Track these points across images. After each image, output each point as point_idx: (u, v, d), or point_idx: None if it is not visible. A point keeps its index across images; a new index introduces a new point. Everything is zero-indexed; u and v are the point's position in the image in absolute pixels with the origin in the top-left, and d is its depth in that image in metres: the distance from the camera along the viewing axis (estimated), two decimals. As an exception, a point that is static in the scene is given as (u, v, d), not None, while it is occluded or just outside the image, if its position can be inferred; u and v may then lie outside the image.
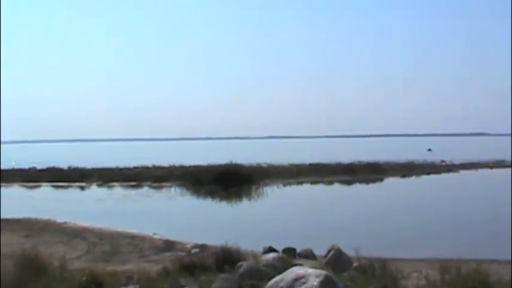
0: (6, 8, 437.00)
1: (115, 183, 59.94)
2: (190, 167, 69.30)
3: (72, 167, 72.56)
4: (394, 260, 17.18)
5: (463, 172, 72.58)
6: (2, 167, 74.85)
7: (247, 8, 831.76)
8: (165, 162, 75.39)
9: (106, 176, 64.03)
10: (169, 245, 23.19)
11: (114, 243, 24.28)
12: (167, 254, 21.33)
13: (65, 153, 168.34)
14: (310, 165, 72.19)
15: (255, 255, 17.44)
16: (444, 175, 68.70)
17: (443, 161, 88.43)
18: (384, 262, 15.78)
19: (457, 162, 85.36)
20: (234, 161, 62.26)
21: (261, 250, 20.01)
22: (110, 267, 17.41)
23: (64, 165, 74.46)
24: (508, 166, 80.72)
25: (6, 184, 62.34)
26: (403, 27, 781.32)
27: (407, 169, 71.84)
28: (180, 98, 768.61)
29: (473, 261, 16.37)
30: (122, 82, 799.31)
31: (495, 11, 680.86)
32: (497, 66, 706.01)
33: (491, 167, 79.90)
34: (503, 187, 53.97)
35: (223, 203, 45.70)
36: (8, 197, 51.18)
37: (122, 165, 75.30)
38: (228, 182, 53.25)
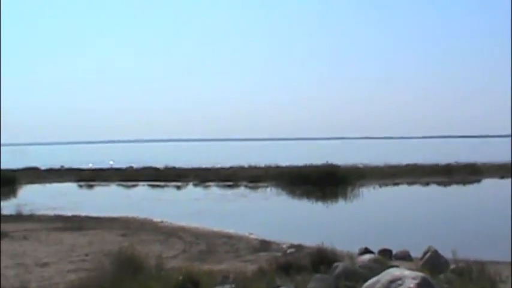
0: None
1: (211, 183, 60.46)
2: (286, 167, 69.39)
3: (169, 167, 73.58)
4: (492, 263, 16.88)
5: None
6: (100, 166, 76.84)
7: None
8: (260, 162, 75.67)
9: (202, 176, 64.66)
10: (265, 245, 23.31)
11: (210, 243, 24.52)
12: (263, 253, 21.43)
13: (149, 153, 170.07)
14: (406, 166, 71.53)
15: (350, 256, 17.39)
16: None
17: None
18: (481, 265, 15.54)
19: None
20: (330, 162, 62.15)
21: (357, 251, 19.92)
22: (206, 267, 17.58)
23: (160, 165, 75.56)
24: None
25: (104, 183, 63.69)
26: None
27: (506, 170, 70.41)
28: (268, 98, 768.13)
29: None
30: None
31: None
32: None
33: None
34: None
35: (319, 204, 45.71)
36: (105, 196, 52.32)
37: (217, 165, 75.98)
38: (324, 182, 53.15)
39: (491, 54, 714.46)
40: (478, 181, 60.81)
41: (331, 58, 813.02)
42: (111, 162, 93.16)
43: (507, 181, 61.37)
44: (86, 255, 21.39)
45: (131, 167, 78.30)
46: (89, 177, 67.47)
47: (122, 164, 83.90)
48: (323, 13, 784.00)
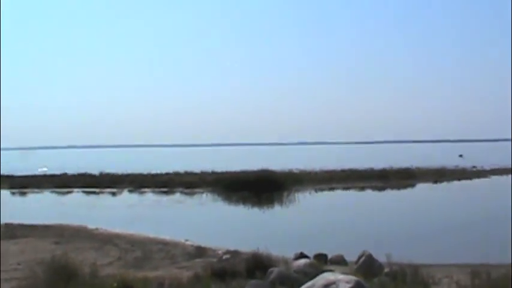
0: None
1: (146, 189, 60.10)
2: (221, 173, 69.40)
3: (104, 173, 72.90)
4: (425, 266, 17.13)
5: (494, 178, 72.15)
6: (31, 173, 75.87)
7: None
8: (196, 169, 75.46)
9: (137, 182, 64.24)
10: (200, 251, 23.26)
11: (145, 250, 24.38)
12: (199, 260, 21.38)
13: (90, 159, 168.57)
14: (342, 171, 72.17)
15: (286, 262, 17.45)
16: (475, 181, 68.37)
17: (474, 167, 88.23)
18: (415, 268, 15.74)
19: (487, 168, 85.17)
20: (265, 167, 62.29)
21: (292, 256, 19.99)
22: (141, 274, 17.46)
23: (95, 171, 74.77)
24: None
25: (37, 190, 62.82)
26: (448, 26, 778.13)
27: (439, 175, 71.54)
28: (206, 104, 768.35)
29: (503, 266, 16.33)
30: (143, 89, 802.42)
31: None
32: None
33: (523, 172, 79.32)
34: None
35: (255, 209, 45.74)
36: (39, 203, 51.65)
37: (152, 171, 75.56)
38: (260, 188, 53.23)
39: (424, 61, 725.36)
40: (413, 185, 61.57)
41: (264, 63, 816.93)
42: (45, 169, 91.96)
43: (440, 185, 62.42)
44: (19, 264, 21.02)
45: (65, 174, 77.19)
46: (21, 184, 66.40)
47: (56, 171, 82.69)
48: (236, 21, 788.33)
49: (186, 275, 17.41)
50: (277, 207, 46.11)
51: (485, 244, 26.58)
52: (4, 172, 77.09)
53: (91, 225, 33.04)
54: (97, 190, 60.88)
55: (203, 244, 24.96)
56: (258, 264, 16.66)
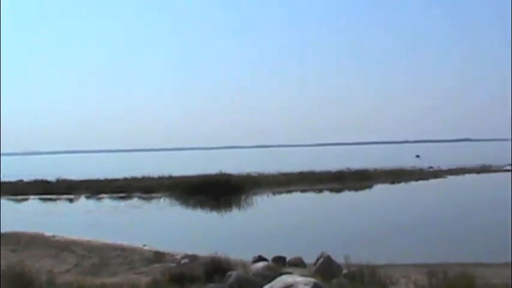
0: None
1: (104, 195, 59.58)
2: (179, 177, 69.06)
3: (60, 179, 72.07)
4: (383, 266, 17.24)
5: (450, 178, 72.88)
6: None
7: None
8: (154, 173, 75.08)
9: (94, 188, 63.65)
10: (159, 256, 23.13)
11: (103, 256, 24.18)
12: (157, 265, 21.26)
13: (48, 165, 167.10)
14: (300, 173, 72.25)
15: (244, 265, 17.45)
16: (432, 181, 68.92)
17: (431, 167, 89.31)
18: (373, 268, 15.85)
19: (444, 168, 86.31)
20: (223, 171, 62.24)
21: (251, 259, 19.98)
22: (99, 280, 17.34)
23: (52, 178, 73.90)
24: (493, 171, 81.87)
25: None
26: (388, 36, 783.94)
27: (396, 176, 71.99)
28: (165, 108, 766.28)
29: (460, 265, 16.50)
30: (101, 91, 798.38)
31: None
32: (482, 75, 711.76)
33: (478, 172, 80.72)
34: (488, 192, 54.55)
35: (213, 213, 45.63)
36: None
37: (110, 176, 75.05)
38: (218, 191, 53.14)
39: (380, 61, 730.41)
40: (370, 187, 61.87)
41: (234, 69, 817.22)
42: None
43: (398, 186, 62.85)
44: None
45: (21, 181, 76.25)
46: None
47: (11, 178, 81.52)
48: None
49: (144, 280, 17.33)
50: (235, 211, 46.02)
51: (442, 243, 26.88)
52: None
53: (48, 233, 32.64)
54: (54, 197, 60.14)
55: (161, 249, 24.81)
56: (216, 268, 16.65)
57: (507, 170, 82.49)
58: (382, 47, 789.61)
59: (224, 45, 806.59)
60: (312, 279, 12.53)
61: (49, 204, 55.97)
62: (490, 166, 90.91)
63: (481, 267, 18.16)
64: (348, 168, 74.83)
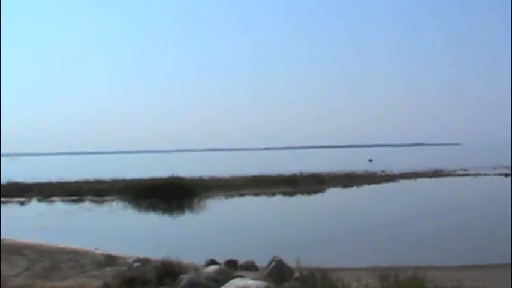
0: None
1: (56, 198, 59.02)
2: (132, 180, 68.80)
3: (11, 182, 71.14)
4: (335, 270, 17.30)
5: (402, 182, 73.50)
6: None
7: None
8: (106, 176, 74.61)
9: (46, 191, 63.02)
10: (110, 260, 22.99)
11: (54, 259, 23.96)
12: (108, 268, 21.13)
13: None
14: (253, 177, 72.40)
15: (196, 268, 17.42)
16: (384, 185, 69.50)
17: (383, 171, 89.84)
18: (324, 272, 15.88)
19: (396, 172, 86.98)
20: (175, 174, 62.09)
21: (203, 263, 19.95)
22: (50, 284, 17.22)
23: (2, 181, 72.94)
24: (445, 175, 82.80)
25: None
26: (344, 40, 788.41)
27: (349, 179, 72.47)
28: (119, 110, 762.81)
29: (411, 268, 16.63)
30: (51, 93, 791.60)
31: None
32: (435, 80, 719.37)
33: (430, 176, 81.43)
34: (440, 196, 55.12)
35: (166, 217, 45.47)
36: None
37: (62, 179, 74.43)
38: (170, 195, 52.99)
39: (333, 66, 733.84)
40: (322, 190, 62.11)
41: (187, 71, 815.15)
42: None
43: (350, 190, 63.22)
44: None
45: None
46: None
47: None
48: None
49: (95, 284, 17.22)
50: (187, 214, 45.93)
51: (394, 247, 27.12)
52: None
53: (-3, 236, 32.34)
54: (4, 200, 59.41)
55: (113, 252, 24.69)
56: (168, 272, 16.61)
57: (459, 175, 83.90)
58: (338, 51, 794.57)
59: (176, 44, 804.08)
60: (263, 283, 12.57)
61: (-1, 207, 55.33)
62: (442, 170, 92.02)
63: (432, 271, 18.33)
64: (300, 172, 75.12)
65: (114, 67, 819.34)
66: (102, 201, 55.17)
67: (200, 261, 20.08)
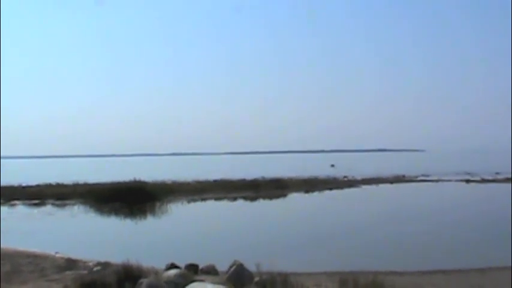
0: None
1: (17, 202, 58.55)
2: (94, 184, 68.50)
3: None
4: (295, 274, 17.41)
5: (364, 187, 73.86)
6: None
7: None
8: (68, 180, 74.21)
9: (7, 195, 62.46)
10: (71, 264, 22.91)
11: (14, 263, 23.80)
12: (69, 272, 21.05)
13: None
14: (215, 181, 72.52)
15: (156, 272, 17.46)
16: (346, 190, 69.75)
17: (345, 177, 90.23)
18: (285, 276, 16.00)
19: (358, 178, 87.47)
20: (137, 178, 61.97)
21: (164, 267, 19.97)
22: (9, 288, 17.14)
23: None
24: (407, 181, 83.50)
25: None
26: (306, 44, 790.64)
27: (311, 184, 72.73)
28: (83, 115, 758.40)
29: (371, 273, 16.81)
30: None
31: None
32: (399, 88, 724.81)
33: (391, 182, 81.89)
34: (401, 202, 55.56)
35: (127, 221, 45.35)
36: None
37: (24, 182, 73.90)
38: (132, 199, 52.87)
39: (295, 71, 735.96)
40: (284, 195, 62.28)
41: (150, 75, 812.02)
42: None
43: (312, 195, 63.46)
44: None
45: None
46: None
47: None
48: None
49: (55, 288, 17.20)
50: (149, 218, 45.89)
51: (355, 252, 27.29)
52: None
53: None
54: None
55: (74, 256, 24.61)
56: (128, 276, 16.61)
57: (420, 180, 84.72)
58: (303, 55, 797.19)
59: (140, 51, 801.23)
60: (222, 287, 12.66)
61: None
62: (403, 176, 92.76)
63: (392, 276, 18.54)
64: (262, 177, 75.37)
65: (80, 71, 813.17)
66: (64, 205, 54.81)
67: (161, 265, 20.08)
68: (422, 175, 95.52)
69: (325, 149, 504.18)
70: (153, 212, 48.85)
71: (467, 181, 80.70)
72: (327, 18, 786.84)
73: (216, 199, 58.79)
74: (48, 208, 53.50)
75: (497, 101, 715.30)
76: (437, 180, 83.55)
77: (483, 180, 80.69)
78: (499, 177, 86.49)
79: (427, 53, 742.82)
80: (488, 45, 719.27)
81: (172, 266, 19.87)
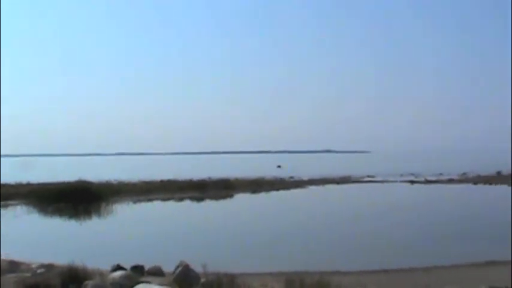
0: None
1: (-44, 203, 57.56)
2: (37, 184, 67.64)
3: None
4: (241, 275, 17.30)
5: (310, 187, 74.19)
6: None
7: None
8: (10, 180, 73.13)
9: None
10: (13, 266, 22.47)
11: (-48, 266, 23.34)
12: (11, 275, 20.62)
13: None
14: (161, 182, 72.19)
15: (101, 274, 17.21)
16: (292, 191, 70.00)
17: (292, 177, 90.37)
18: (231, 277, 15.91)
19: (305, 178, 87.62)
20: (83, 178, 61.38)
21: (109, 268, 19.72)
22: None
23: None
24: (353, 182, 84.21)
25: None
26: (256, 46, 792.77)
27: (257, 185, 72.78)
28: (26, 112, 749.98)
29: (317, 273, 16.79)
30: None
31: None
32: (344, 89, 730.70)
33: (337, 183, 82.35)
34: (348, 202, 55.91)
35: (72, 222, 44.86)
36: None
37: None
38: (77, 199, 52.27)
39: (246, 75, 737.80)
40: (231, 196, 62.25)
41: (95, 75, 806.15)
42: None
43: (258, 195, 63.55)
44: None
45: None
46: None
47: None
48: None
49: (-4, 291, 16.86)
50: (94, 219, 45.44)
51: (301, 252, 27.29)
52: None
53: None
54: None
55: (16, 258, 24.19)
56: (73, 278, 16.36)
57: (366, 181, 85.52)
58: (248, 57, 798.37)
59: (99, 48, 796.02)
60: (168, 288, 12.52)
61: None
62: (349, 177, 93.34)
63: (337, 275, 18.53)
64: (209, 177, 75.26)
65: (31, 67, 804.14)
66: (6, 206, 53.93)
67: (106, 266, 19.83)
68: (368, 176, 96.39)
69: (272, 149, 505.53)
70: (98, 213, 48.38)
71: (412, 182, 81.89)
72: (274, 16, 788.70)
73: (163, 200, 58.54)
74: (-11, 209, 52.66)
75: (441, 102, 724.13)
76: (382, 181, 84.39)
77: (427, 181, 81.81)
78: (442, 178, 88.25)
79: (375, 54, 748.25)
80: (434, 46, 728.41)
81: (118, 267, 19.63)
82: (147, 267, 20.87)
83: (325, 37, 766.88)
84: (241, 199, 60.85)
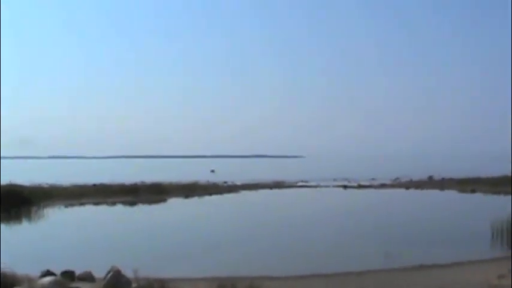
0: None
1: None
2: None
3: None
4: (173, 280, 17.31)
5: (244, 192, 74.34)
6: None
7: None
8: None
9: None
10: None
11: None
12: None
13: None
14: (94, 186, 71.47)
15: (30, 280, 16.99)
16: (226, 195, 70.08)
17: (225, 182, 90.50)
18: (162, 282, 15.90)
19: (238, 183, 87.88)
20: (12, 181, 60.43)
21: (39, 274, 19.48)
22: None
23: None
24: (286, 187, 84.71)
25: None
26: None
27: (190, 190, 72.64)
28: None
29: (248, 278, 16.86)
30: None
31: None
32: (278, 93, 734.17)
33: (271, 188, 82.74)
34: (281, 207, 56.14)
35: (1, 226, 44.18)
36: None
37: None
38: (6, 203, 51.39)
39: (180, 78, 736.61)
40: (164, 200, 62.07)
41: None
42: None
43: (192, 200, 63.48)
44: None
45: None
46: None
47: None
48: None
49: None
50: (24, 224, 44.73)
51: (233, 257, 27.33)
52: None
53: None
54: None
55: None
56: (1, 284, 16.13)
57: (299, 186, 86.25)
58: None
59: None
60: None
61: None
62: (283, 182, 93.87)
63: (269, 281, 18.63)
64: (142, 182, 74.82)
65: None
66: None
67: (36, 272, 19.59)
68: (302, 181, 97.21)
69: (206, 154, 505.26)
70: (28, 217, 47.68)
71: (345, 187, 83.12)
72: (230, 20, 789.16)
73: (95, 204, 58.07)
74: None
75: (378, 108, 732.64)
76: (316, 186, 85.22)
77: (360, 186, 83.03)
78: (375, 183, 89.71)
79: (319, 58, 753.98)
80: (379, 48, 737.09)
81: (48, 273, 19.41)
82: (77, 272, 20.65)
83: (274, 39, 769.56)
84: (174, 204, 60.70)
